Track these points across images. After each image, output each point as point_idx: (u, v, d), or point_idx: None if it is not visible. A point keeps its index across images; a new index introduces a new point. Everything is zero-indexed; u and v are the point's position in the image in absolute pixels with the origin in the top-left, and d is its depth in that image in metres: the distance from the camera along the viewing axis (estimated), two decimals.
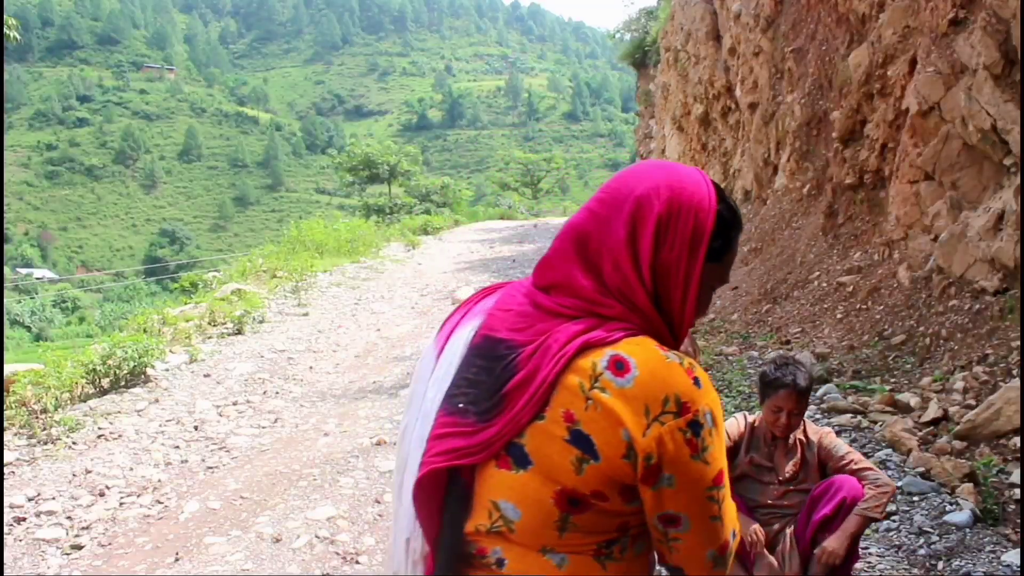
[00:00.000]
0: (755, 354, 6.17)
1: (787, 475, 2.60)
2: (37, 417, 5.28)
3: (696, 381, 1.05)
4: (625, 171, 1.17)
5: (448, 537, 1.10)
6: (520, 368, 1.06)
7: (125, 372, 6.23)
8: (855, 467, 2.56)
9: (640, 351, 1.05)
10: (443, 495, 1.10)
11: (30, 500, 4.22)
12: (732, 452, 2.62)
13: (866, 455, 3.81)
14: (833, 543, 2.47)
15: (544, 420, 1.04)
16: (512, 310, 1.13)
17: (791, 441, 2.63)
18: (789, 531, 2.58)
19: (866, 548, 3.12)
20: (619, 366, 1.03)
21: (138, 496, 4.27)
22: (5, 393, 5.38)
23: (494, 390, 1.07)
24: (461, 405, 1.09)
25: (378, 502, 4.03)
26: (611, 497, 1.05)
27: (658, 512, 1.07)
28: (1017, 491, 3.38)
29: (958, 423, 3.98)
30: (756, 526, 2.56)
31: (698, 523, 1.07)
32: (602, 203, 1.13)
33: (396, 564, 1.16)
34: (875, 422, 4.38)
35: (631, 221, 1.09)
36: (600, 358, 1.04)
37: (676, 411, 1.02)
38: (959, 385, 4.36)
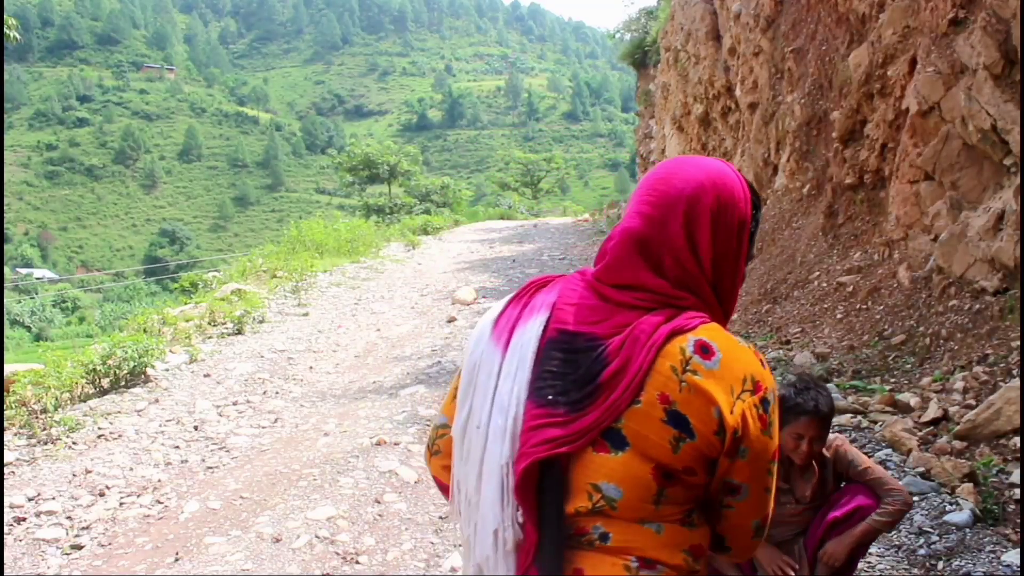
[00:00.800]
0: None
1: (806, 497, 2.52)
2: (37, 417, 5.28)
3: (762, 362, 1.17)
4: (664, 172, 1.25)
5: (550, 521, 1.14)
6: (611, 359, 1.13)
7: (125, 372, 6.22)
8: (880, 489, 2.48)
9: (718, 336, 1.16)
10: (537, 483, 1.14)
11: (30, 500, 4.21)
12: None
13: (866, 455, 3.80)
14: (835, 545, 2.44)
15: (640, 404, 1.11)
16: (577, 304, 1.20)
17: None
18: (801, 541, 2.54)
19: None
20: (705, 350, 1.13)
21: (138, 496, 4.27)
22: (5, 393, 5.38)
23: (585, 381, 1.14)
24: (550, 397, 1.15)
25: (378, 502, 4.03)
26: (699, 472, 1.14)
27: (723, 479, 1.17)
28: (1017, 491, 3.38)
29: (958, 423, 3.98)
30: (778, 558, 2.47)
31: (755, 493, 1.19)
32: (654, 207, 1.22)
33: (481, 556, 1.18)
34: (875, 422, 4.38)
35: (686, 221, 1.20)
36: (685, 344, 1.13)
37: (752, 389, 1.14)
38: (959, 385, 4.36)
